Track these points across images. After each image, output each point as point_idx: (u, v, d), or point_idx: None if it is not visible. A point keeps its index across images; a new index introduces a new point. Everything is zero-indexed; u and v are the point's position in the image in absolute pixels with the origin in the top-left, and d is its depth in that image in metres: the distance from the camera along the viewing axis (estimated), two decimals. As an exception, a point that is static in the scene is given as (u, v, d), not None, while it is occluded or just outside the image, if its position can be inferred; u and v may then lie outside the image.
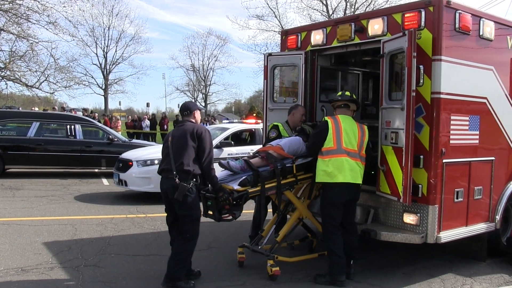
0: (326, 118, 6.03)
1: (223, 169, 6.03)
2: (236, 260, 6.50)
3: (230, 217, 5.69)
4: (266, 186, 5.87)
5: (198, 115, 5.92)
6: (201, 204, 5.70)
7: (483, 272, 6.45)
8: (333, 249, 5.83)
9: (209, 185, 5.65)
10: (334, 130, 5.81)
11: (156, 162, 10.78)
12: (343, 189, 5.79)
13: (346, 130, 5.83)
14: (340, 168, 5.74)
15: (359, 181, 5.89)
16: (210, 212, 5.80)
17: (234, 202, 5.58)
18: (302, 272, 6.23)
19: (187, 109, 5.85)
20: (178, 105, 71.37)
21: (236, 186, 5.69)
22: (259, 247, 6.34)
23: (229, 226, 8.26)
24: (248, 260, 6.47)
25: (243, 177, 5.80)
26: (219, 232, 8.06)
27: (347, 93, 6.16)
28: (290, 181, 6.12)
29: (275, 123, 7.09)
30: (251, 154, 7.24)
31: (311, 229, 6.93)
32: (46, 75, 30.44)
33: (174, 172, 5.44)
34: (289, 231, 6.48)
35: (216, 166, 5.76)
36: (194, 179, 5.51)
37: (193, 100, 58.89)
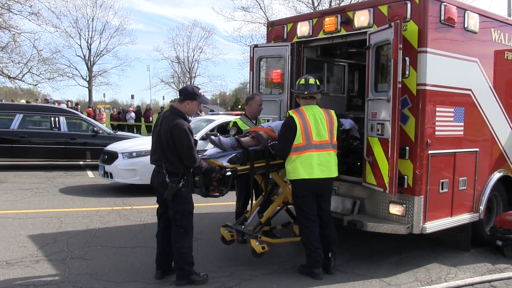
0: (290, 112, 5.85)
1: (213, 145, 5.99)
2: (225, 253, 6.51)
3: (217, 194, 5.68)
4: (255, 165, 5.89)
5: (190, 105, 5.48)
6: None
7: (467, 261, 6.53)
8: (306, 241, 5.83)
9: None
10: (302, 126, 5.66)
11: (143, 153, 10.75)
12: (309, 184, 5.70)
13: (313, 122, 5.71)
14: (306, 164, 5.65)
15: (332, 174, 5.80)
16: (197, 188, 5.76)
17: (221, 177, 5.56)
18: (289, 263, 6.26)
19: (181, 94, 5.55)
20: (163, 97, 71.12)
21: (225, 163, 5.70)
22: (243, 227, 6.34)
23: (215, 218, 8.27)
24: (235, 251, 6.48)
25: (233, 154, 5.81)
26: (206, 224, 8.04)
27: (311, 81, 5.91)
28: (278, 162, 6.13)
29: (234, 120, 7.13)
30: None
31: (294, 215, 6.94)
32: (29, 67, 30.20)
33: (164, 171, 5.35)
34: (273, 214, 6.50)
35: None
36: (184, 177, 5.40)
37: (178, 92, 58.59)
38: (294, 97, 7.44)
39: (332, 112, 5.94)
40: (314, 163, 5.67)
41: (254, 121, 7.16)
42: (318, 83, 5.97)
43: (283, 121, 6.31)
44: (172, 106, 5.61)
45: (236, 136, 6.22)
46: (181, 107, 5.49)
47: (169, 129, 5.28)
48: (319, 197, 5.84)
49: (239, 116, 7.29)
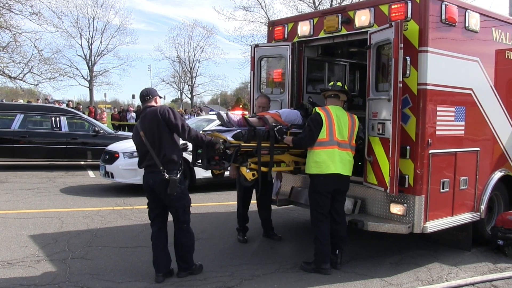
0: (317, 109, 5.97)
1: (220, 121, 6.14)
2: (225, 252, 6.52)
3: (218, 167, 5.77)
4: (262, 144, 5.98)
5: (159, 101, 5.69)
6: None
7: (468, 261, 6.53)
8: (318, 236, 5.89)
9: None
10: (327, 122, 5.82)
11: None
12: (330, 179, 5.83)
13: (337, 121, 5.86)
14: (331, 159, 5.79)
15: (349, 173, 5.95)
16: (199, 161, 5.86)
17: (223, 150, 5.64)
18: (290, 263, 6.26)
19: (148, 94, 5.61)
20: (164, 96, 71.25)
21: (229, 138, 5.76)
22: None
23: (216, 218, 8.27)
24: (236, 251, 6.48)
25: (238, 130, 5.88)
26: (206, 224, 8.05)
27: (339, 83, 6.18)
28: (282, 146, 6.20)
29: None
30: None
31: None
32: (30, 67, 30.19)
33: (161, 168, 5.33)
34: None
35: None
36: (181, 167, 5.48)
37: (179, 92, 58.68)
38: (296, 97, 7.48)
39: (355, 116, 6.13)
40: (337, 159, 5.81)
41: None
42: (346, 87, 6.23)
43: (290, 109, 6.70)
44: (146, 106, 5.61)
45: (244, 116, 6.29)
46: (152, 103, 5.59)
47: (155, 115, 5.35)
48: (336, 192, 5.97)
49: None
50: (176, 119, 5.35)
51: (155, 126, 5.36)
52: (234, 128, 5.97)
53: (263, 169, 6.09)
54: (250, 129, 5.92)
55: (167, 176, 5.31)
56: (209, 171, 6.35)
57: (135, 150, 10.70)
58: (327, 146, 5.81)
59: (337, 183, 5.89)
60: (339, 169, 5.83)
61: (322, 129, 5.81)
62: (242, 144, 5.83)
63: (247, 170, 5.92)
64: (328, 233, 5.91)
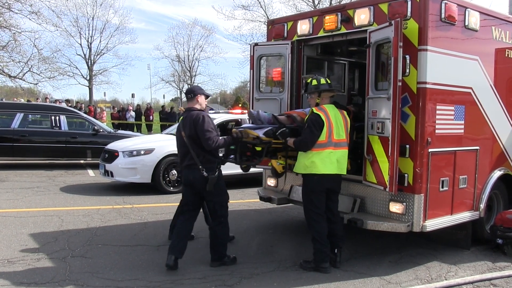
0: (315, 110, 5.91)
1: (251, 119, 6.54)
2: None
3: (250, 162, 6.35)
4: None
5: (202, 99, 6.06)
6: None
7: (467, 259, 6.53)
8: (316, 236, 5.88)
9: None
10: (327, 123, 5.80)
11: (143, 152, 10.77)
12: (324, 179, 5.83)
13: (334, 120, 5.86)
14: (326, 160, 5.78)
15: (344, 171, 5.98)
16: (231, 157, 6.36)
17: (253, 148, 6.13)
18: (289, 261, 6.27)
19: (191, 92, 6.08)
20: (164, 95, 71.22)
21: (261, 135, 6.02)
22: None
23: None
24: (235, 250, 6.49)
25: (269, 128, 6.15)
26: (205, 222, 8.03)
27: (328, 81, 6.11)
28: None
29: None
30: None
31: None
32: (30, 66, 30.16)
33: (200, 166, 5.76)
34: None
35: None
36: (218, 166, 5.93)
37: (178, 91, 58.64)
38: (295, 96, 7.48)
39: (345, 112, 6.13)
40: (334, 159, 5.81)
41: None
42: (329, 81, 6.14)
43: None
44: (188, 106, 6.08)
45: (273, 114, 6.65)
46: (194, 104, 6.01)
47: (192, 124, 5.79)
48: (330, 192, 5.98)
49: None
50: (204, 132, 5.73)
51: (193, 132, 5.79)
52: (264, 125, 6.30)
53: (289, 161, 6.54)
54: (280, 126, 6.20)
55: (206, 174, 5.74)
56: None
57: (135, 149, 10.79)
58: (324, 148, 5.79)
59: (331, 182, 5.89)
60: (334, 169, 5.82)
61: (323, 130, 5.78)
62: (273, 140, 6.08)
63: (278, 163, 6.38)
64: (325, 232, 5.89)
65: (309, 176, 5.90)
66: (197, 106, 6.00)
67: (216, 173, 5.84)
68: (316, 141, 5.79)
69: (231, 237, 6.86)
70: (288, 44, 7.41)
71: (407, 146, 5.89)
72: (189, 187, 6.01)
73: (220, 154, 6.34)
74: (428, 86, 5.83)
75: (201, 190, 5.89)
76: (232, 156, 6.39)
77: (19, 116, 14.33)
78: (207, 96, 6.21)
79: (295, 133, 6.16)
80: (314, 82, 6.07)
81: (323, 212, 5.94)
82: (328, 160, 5.78)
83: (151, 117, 31.33)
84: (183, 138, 5.89)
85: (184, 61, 58.52)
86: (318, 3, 33.87)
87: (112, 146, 11.72)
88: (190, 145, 5.81)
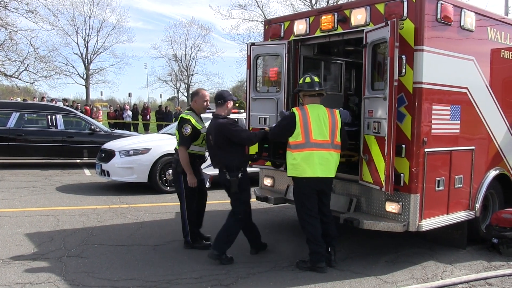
0: (294, 109, 5.92)
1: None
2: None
3: (281, 161, 6.61)
4: None
5: (231, 105, 6.41)
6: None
7: (463, 259, 6.55)
8: (310, 237, 5.88)
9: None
10: (302, 123, 5.75)
11: (140, 152, 10.77)
12: (312, 181, 5.82)
13: (315, 120, 5.78)
14: (308, 162, 5.75)
15: (331, 174, 5.89)
16: (265, 154, 6.71)
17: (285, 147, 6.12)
18: (286, 261, 6.27)
19: (221, 98, 6.38)
20: (161, 95, 71.08)
21: None
22: None
23: (213, 216, 8.27)
24: (231, 249, 6.48)
25: None
26: (203, 221, 8.03)
27: (316, 79, 6.03)
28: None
29: (185, 117, 6.68)
30: None
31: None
32: (26, 65, 30.12)
33: (224, 170, 6.14)
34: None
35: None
36: (242, 169, 6.19)
37: (175, 90, 58.59)
38: (292, 96, 7.48)
39: (337, 112, 6.03)
40: (316, 161, 5.75)
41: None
42: (317, 80, 6.06)
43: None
44: (216, 112, 6.41)
45: None
46: (223, 110, 6.36)
47: (219, 133, 6.14)
48: (320, 193, 5.96)
49: (188, 112, 6.88)
50: (237, 136, 6.12)
51: (219, 139, 6.14)
52: None
53: None
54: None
55: (229, 177, 6.10)
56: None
57: (131, 148, 10.80)
58: (303, 149, 5.76)
59: (320, 185, 5.87)
60: (318, 171, 5.77)
61: (296, 131, 5.76)
62: None
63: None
64: (319, 233, 5.88)
65: (298, 179, 5.91)
66: (224, 113, 6.32)
67: (239, 175, 6.12)
68: (283, 134, 5.95)
69: (264, 244, 6.75)
70: (285, 43, 7.41)
71: (403, 146, 5.90)
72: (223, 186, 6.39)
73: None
74: (424, 86, 5.84)
75: (226, 189, 6.34)
76: (265, 154, 6.77)
77: (15, 115, 14.31)
78: (234, 102, 6.54)
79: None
80: (300, 81, 6.14)
81: (315, 214, 5.92)
82: (310, 161, 5.75)
83: (148, 117, 31.30)
84: (210, 141, 6.28)
85: (181, 60, 58.56)
86: (315, 3, 33.83)
87: (109, 145, 11.70)
88: (217, 149, 6.20)
